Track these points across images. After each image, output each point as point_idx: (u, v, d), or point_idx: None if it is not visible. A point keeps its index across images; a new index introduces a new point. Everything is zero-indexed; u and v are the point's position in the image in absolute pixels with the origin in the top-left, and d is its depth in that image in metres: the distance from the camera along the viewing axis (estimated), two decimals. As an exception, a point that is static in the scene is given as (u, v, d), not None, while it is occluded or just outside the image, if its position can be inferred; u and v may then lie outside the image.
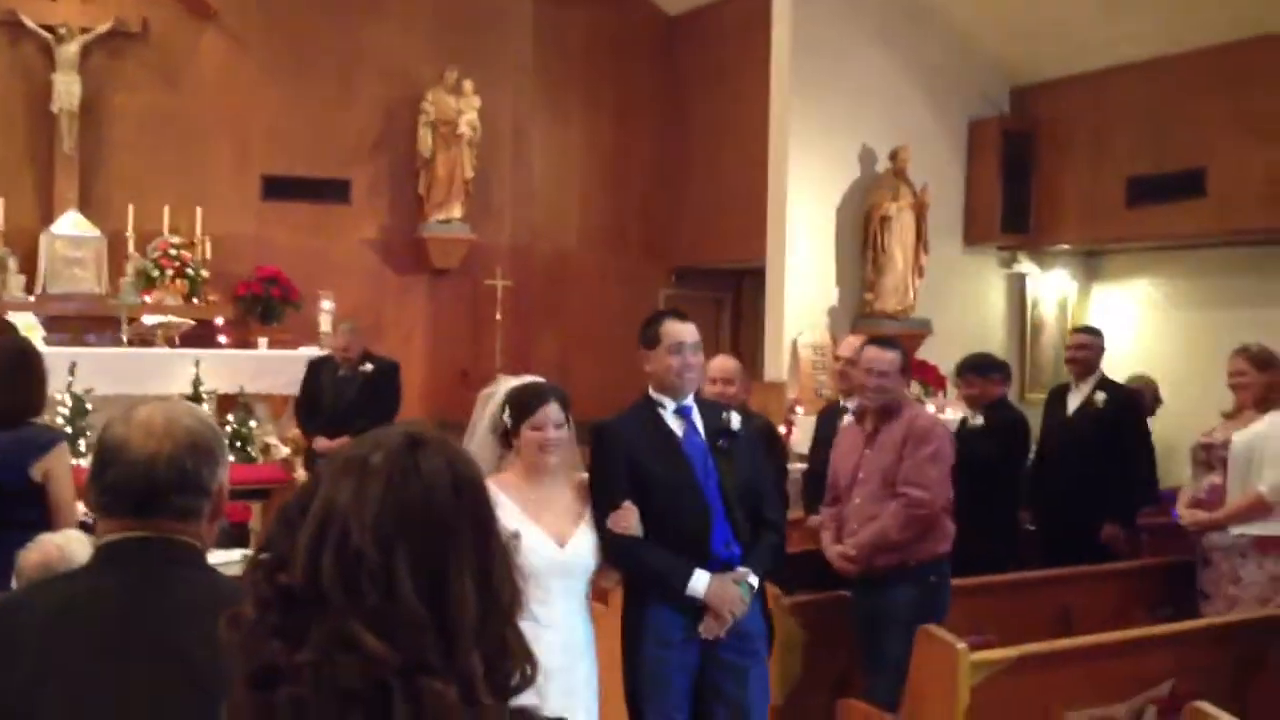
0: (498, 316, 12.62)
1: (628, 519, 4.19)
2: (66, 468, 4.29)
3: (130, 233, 11.38)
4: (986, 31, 11.12)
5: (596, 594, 4.39)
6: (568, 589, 4.08)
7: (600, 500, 4.26)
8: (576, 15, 13.47)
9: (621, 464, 4.31)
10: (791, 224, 10.66)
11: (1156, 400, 8.83)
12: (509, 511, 3.95)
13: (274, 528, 1.49)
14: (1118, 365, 9.33)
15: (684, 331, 4.46)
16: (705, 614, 4.24)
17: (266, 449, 10.51)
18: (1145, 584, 6.54)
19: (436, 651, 1.41)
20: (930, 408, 8.30)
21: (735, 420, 4.50)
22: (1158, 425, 8.20)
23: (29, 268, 11.16)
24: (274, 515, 1.53)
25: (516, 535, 3.72)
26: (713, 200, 12.99)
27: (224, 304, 11.83)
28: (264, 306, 11.89)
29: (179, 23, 11.99)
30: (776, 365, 10.62)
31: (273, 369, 10.83)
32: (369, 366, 8.81)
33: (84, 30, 11.39)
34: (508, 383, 4.33)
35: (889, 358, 5.42)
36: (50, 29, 11.29)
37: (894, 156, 10.80)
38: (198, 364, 10.33)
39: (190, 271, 11.52)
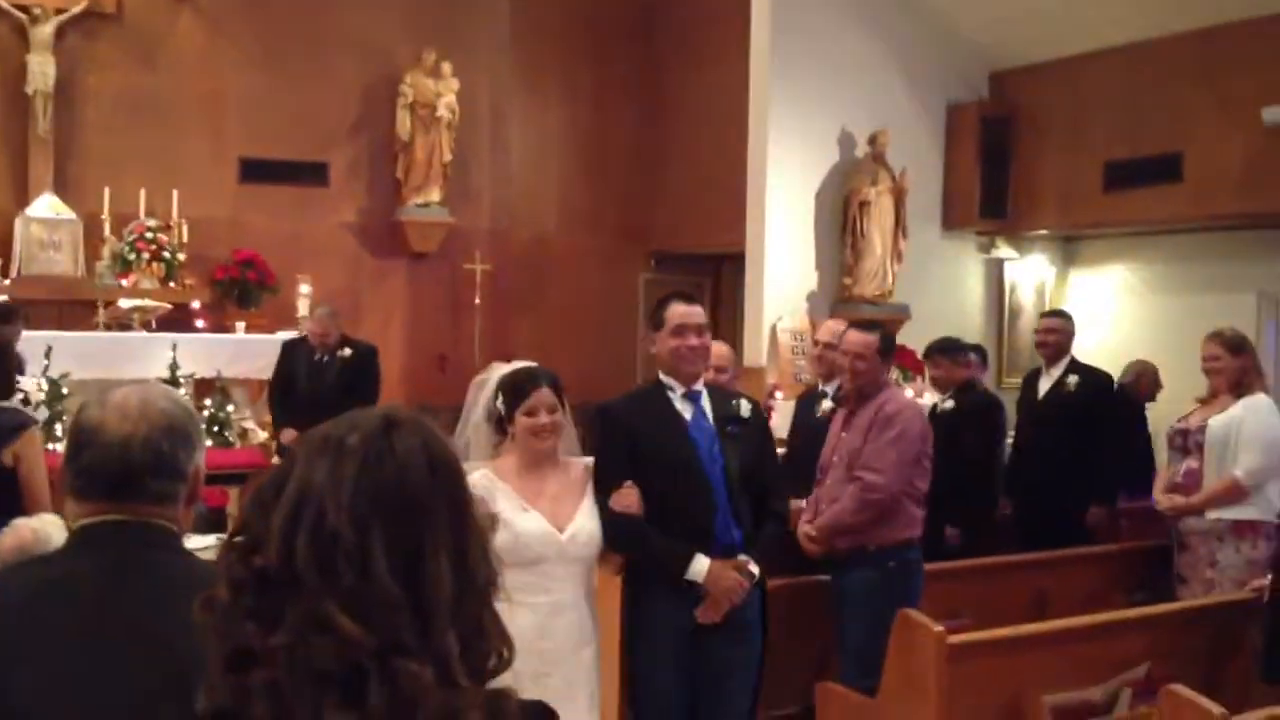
0: (476, 300, 12.60)
1: (629, 498, 4.16)
2: (38, 451, 4.27)
3: (106, 215, 11.31)
4: (965, 16, 11.12)
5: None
6: (570, 575, 4.03)
7: (602, 481, 4.22)
8: (555, -2, 13.46)
9: (623, 445, 4.29)
10: (770, 209, 10.66)
11: (1156, 385, 8.82)
12: (507, 498, 3.93)
13: (248, 509, 1.48)
14: (1095, 350, 9.38)
15: (687, 314, 4.40)
16: (703, 599, 4.22)
17: (244, 433, 10.47)
18: (1122, 568, 6.58)
19: (412, 632, 1.40)
20: (909, 392, 8.30)
21: (746, 407, 4.48)
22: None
23: (3, 251, 11.07)
24: (248, 497, 1.52)
25: (494, 517, 3.73)
26: (692, 185, 12.99)
27: (201, 288, 11.77)
28: (241, 290, 11.84)
29: (154, 3, 11.90)
30: (756, 350, 10.63)
31: (250, 353, 10.78)
32: (347, 351, 8.70)
33: (59, 11, 11.30)
34: (500, 369, 4.28)
35: (865, 340, 5.44)
36: (24, 9, 11.19)
37: (873, 141, 10.80)
38: (174, 348, 10.26)
39: (167, 255, 11.45)
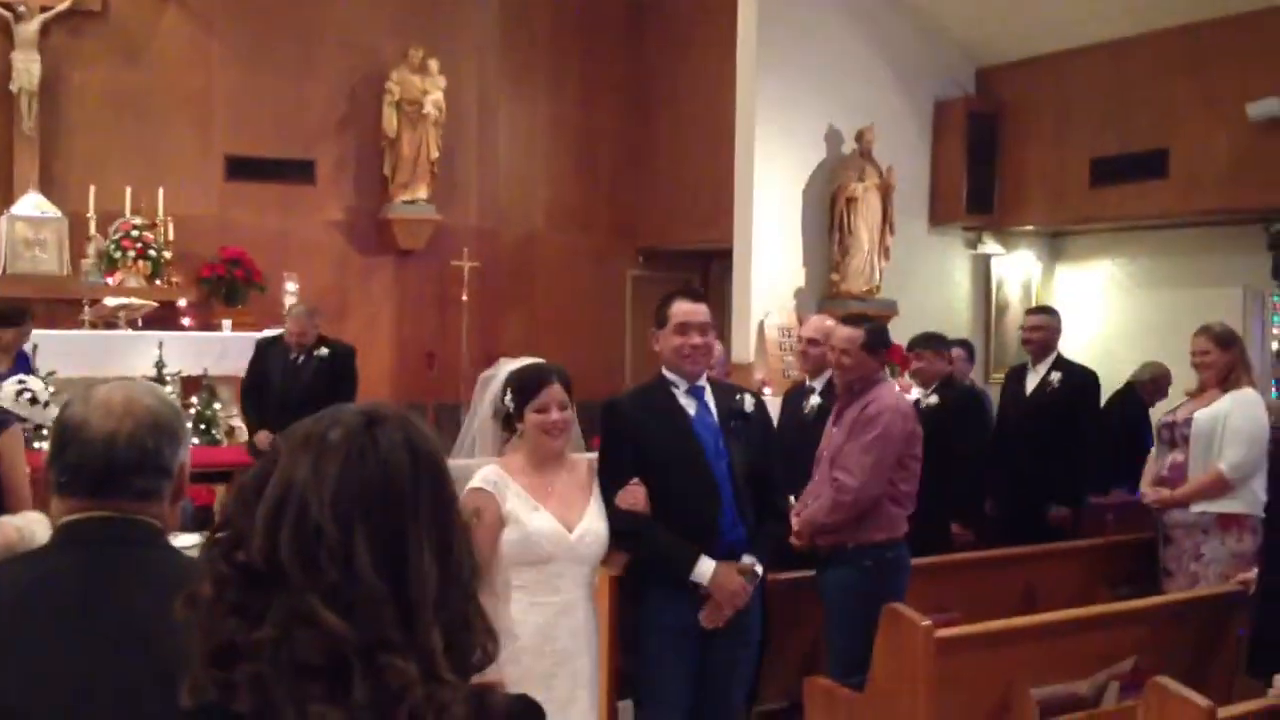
0: (464, 298, 12.58)
1: (635, 496, 4.13)
2: (19, 449, 4.24)
3: (91, 213, 11.26)
4: (952, 12, 11.14)
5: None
6: (577, 575, 3.97)
7: (607, 478, 4.18)
8: (542, -6, 13.45)
9: (629, 442, 4.26)
10: (758, 205, 10.66)
11: (1166, 386, 8.64)
12: (518, 496, 3.88)
13: (231, 506, 1.48)
14: (1081, 345, 9.40)
15: (691, 312, 4.36)
16: (707, 602, 4.19)
17: (231, 431, 10.45)
18: (1108, 562, 6.59)
19: (397, 627, 1.40)
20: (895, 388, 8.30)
21: (749, 403, 4.46)
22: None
23: (-11, 249, 11.04)
24: (231, 493, 1.52)
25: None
26: (680, 182, 12.99)
27: (187, 286, 11.74)
28: (228, 288, 11.81)
29: (139, 0, 11.86)
30: (743, 346, 10.63)
31: (237, 351, 10.71)
32: (325, 351, 8.46)
33: (44, 8, 11.25)
34: (507, 365, 4.21)
35: (848, 335, 5.44)
36: (9, 7, 11.15)
37: (860, 137, 10.81)
38: (161, 346, 10.25)
39: (153, 253, 11.41)
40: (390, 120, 12.39)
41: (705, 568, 4.15)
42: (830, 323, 6.29)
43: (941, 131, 11.49)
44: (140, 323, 11.02)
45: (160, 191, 11.49)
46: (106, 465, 2.11)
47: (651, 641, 4.27)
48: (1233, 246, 10.05)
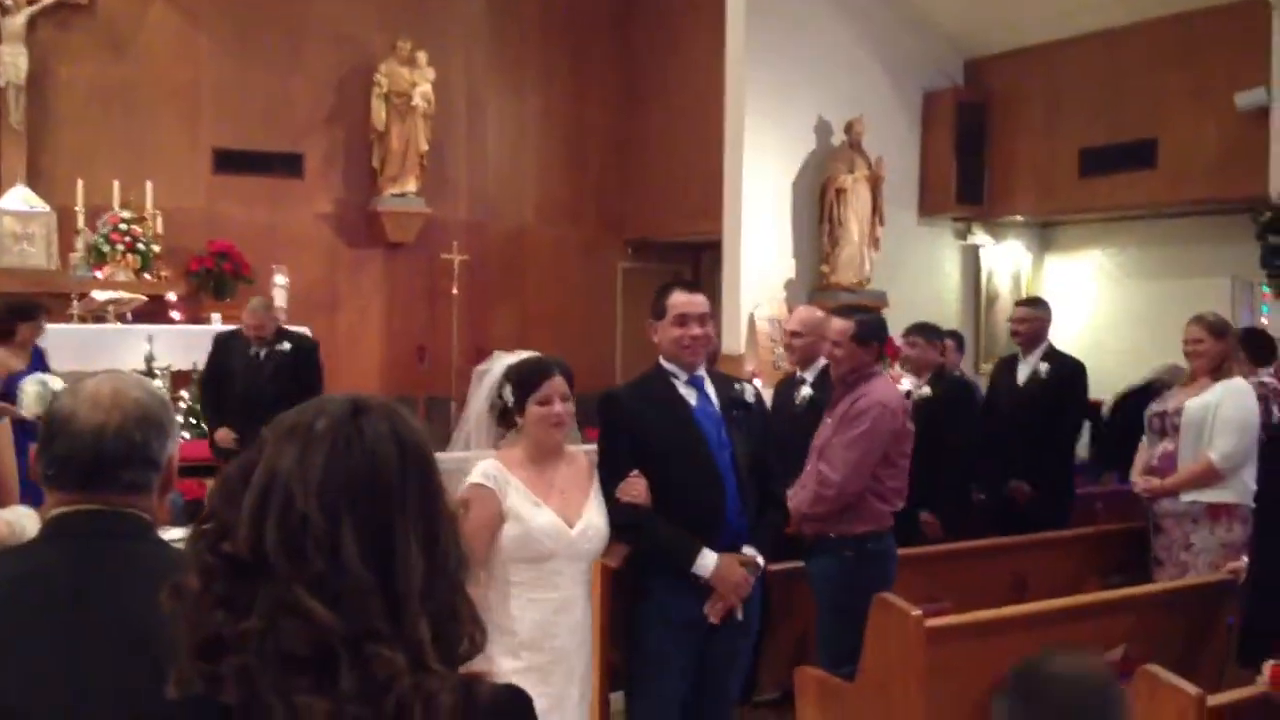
0: (454, 291, 12.57)
1: (637, 488, 4.07)
2: (8, 444, 4.23)
3: (80, 207, 11.24)
4: (941, 3, 11.15)
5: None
6: (576, 571, 3.91)
7: (608, 470, 4.12)
8: (530, -14, 13.44)
9: (629, 433, 4.21)
10: (748, 197, 10.66)
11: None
12: (519, 492, 3.82)
13: (216, 496, 1.48)
14: (1071, 335, 9.42)
15: (689, 303, 4.33)
16: (711, 595, 4.14)
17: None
18: (1099, 551, 6.60)
19: (383, 617, 1.40)
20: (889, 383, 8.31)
21: (749, 392, 4.43)
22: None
23: (-24, 244, 11.01)
24: (216, 484, 1.51)
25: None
26: (669, 174, 12.99)
27: (176, 279, 11.73)
28: (216, 281, 11.80)
29: (127, -6, 11.84)
30: (734, 338, 10.63)
31: (226, 345, 10.72)
32: (286, 345, 8.16)
33: (31, 2, 11.24)
34: (502, 359, 4.10)
35: (840, 327, 5.43)
36: (-5, 1, 11.13)
37: (849, 129, 10.82)
38: (150, 340, 10.24)
39: (141, 246, 11.39)
40: (379, 113, 12.38)
41: (707, 560, 4.11)
42: (819, 314, 6.28)
43: (931, 122, 11.50)
44: (129, 317, 11.00)
45: (149, 185, 11.47)
46: (95, 458, 2.10)
47: (652, 635, 4.22)
48: (1221, 236, 10.07)
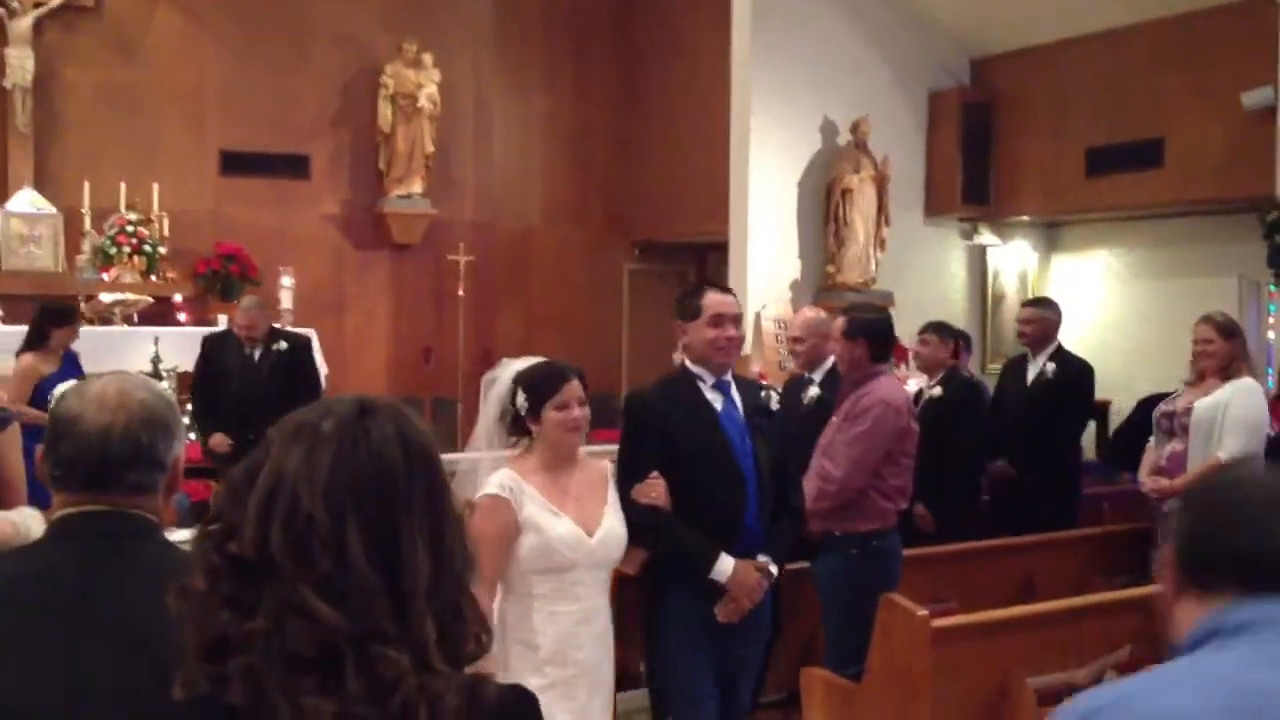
0: (460, 292, 12.57)
1: (656, 489, 4.04)
2: (15, 446, 4.24)
3: (86, 209, 11.27)
4: (946, 3, 11.13)
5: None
6: (596, 580, 3.85)
7: (629, 472, 4.09)
8: (535, -13, 13.44)
9: (653, 436, 4.17)
10: (753, 197, 10.65)
11: None
12: (535, 501, 3.74)
13: (222, 497, 1.48)
14: (1077, 336, 9.41)
15: (726, 303, 4.28)
16: (723, 597, 4.12)
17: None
18: (1105, 551, 6.59)
19: (389, 618, 1.40)
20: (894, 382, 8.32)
21: (775, 399, 4.40)
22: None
23: (-17, 246, 11.03)
24: (222, 484, 1.51)
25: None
26: (675, 174, 12.98)
27: (183, 281, 11.74)
28: (223, 283, 11.80)
29: (133, -4, 11.86)
30: (740, 338, 10.61)
31: (233, 346, 10.72)
32: (282, 345, 7.95)
33: (37, 4, 11.25)
34: (510, 365, 4.03)
35: (835, 324, 5.48)
36: (2, 3, 11.14)
37: (855, 129, 10.80)
38: (157, 342, 10.25)
39: (148, 248, 11.41)
40: (385, 114, 12.38)
41: (725, 565, 4.09)
42: (820, 315, 6.31)
43: (936, 122, 11.48)
44: (136, 318, 11.02)
45: (155, 187, 11.49)
46: (101, 459, 2.11)
47: (671, 641, 4.19)
48: (1228, 236, 10.05)
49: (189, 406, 9.75)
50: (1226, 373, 6.03)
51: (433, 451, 1.53)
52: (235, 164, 12.20)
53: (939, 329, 7.29)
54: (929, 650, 4.52)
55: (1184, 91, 9.72)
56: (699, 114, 12.22)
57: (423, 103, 12.36)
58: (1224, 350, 6.04)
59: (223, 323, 11.08)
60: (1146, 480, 6.23)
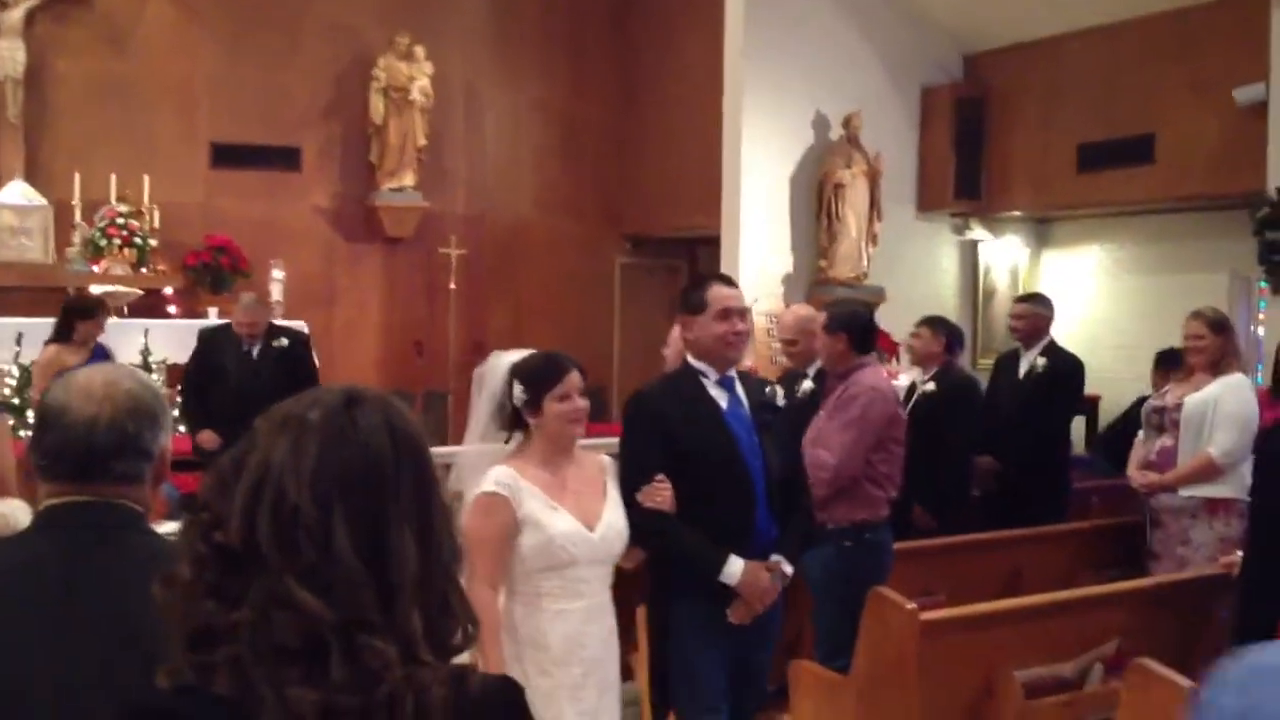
0: (452, 285, 12.55)
1: (662, 494, 3.92)
2: (6, 437, 4.23)
3: (77, 201, 11.25)
4: (939, -2, 11.14)
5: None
6: (599, 576, 3.75)
7: (632, 475, 3.95)
8: (529, -20, 13.42)
9: (658, 436, 4.03)
10: (745, 192, 10.65)
11: None
12: (535, 498, 3.65)
13: (209, 487, 1.48)
14: (1068, 331, 9.41)
15: (733, 296, 4.14)
16: (735, 600, 4.02)
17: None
18: (1093, 545, 6.61)
19: (375, 609, 1.40)
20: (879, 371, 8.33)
21: (779, 395, 4.31)
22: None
23: (-27, 238, 11.00)
24: (208, 474, 1.51)
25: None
26: (667, 168, 12.98)
27: (173, 273, 11.73)
28: (214, 276, 11.79)
29: (124, -12, 11.83)
30: (731, 333, 10.60)
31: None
32: (284, 341, 7.86)
33: (29, -5, 11.22)
34: (503, 357, 3.89)
35: (815, 318, 5.54)
36: (-8, -6, 11.12)
37: (847, 123, 10.80)
38: (147, 334, 10.23)
39: (138, 240, 11.39)
40: (377, 107, 12.37)
41: (735, 568, 3.97)
42: (810, 312, 6.33)
43: (929, 117, 11.49)
44: (126, 310, 10.99)
45: (146, 179, 11.47)
46: (87, 449, 2.11)
47: (688, 637, 4.08)
48: (1219, 232, 10.06)
49: (178, 398, 9.75)
50: (1217, 368, 6.05)
51: (421, 442, 1.52)
52: (226, 156, 12.19)
53: (932, 323, 7.30)
54: (917, 643, 4.53)
55: (1176, 87, 9.73)
56: (692, 108, 12.21)
57: (415, 95, 12.34)
58: (1214, 346, 6.05)
59: (213, 315, 11.11)
60: (1136, 475, 6.25)
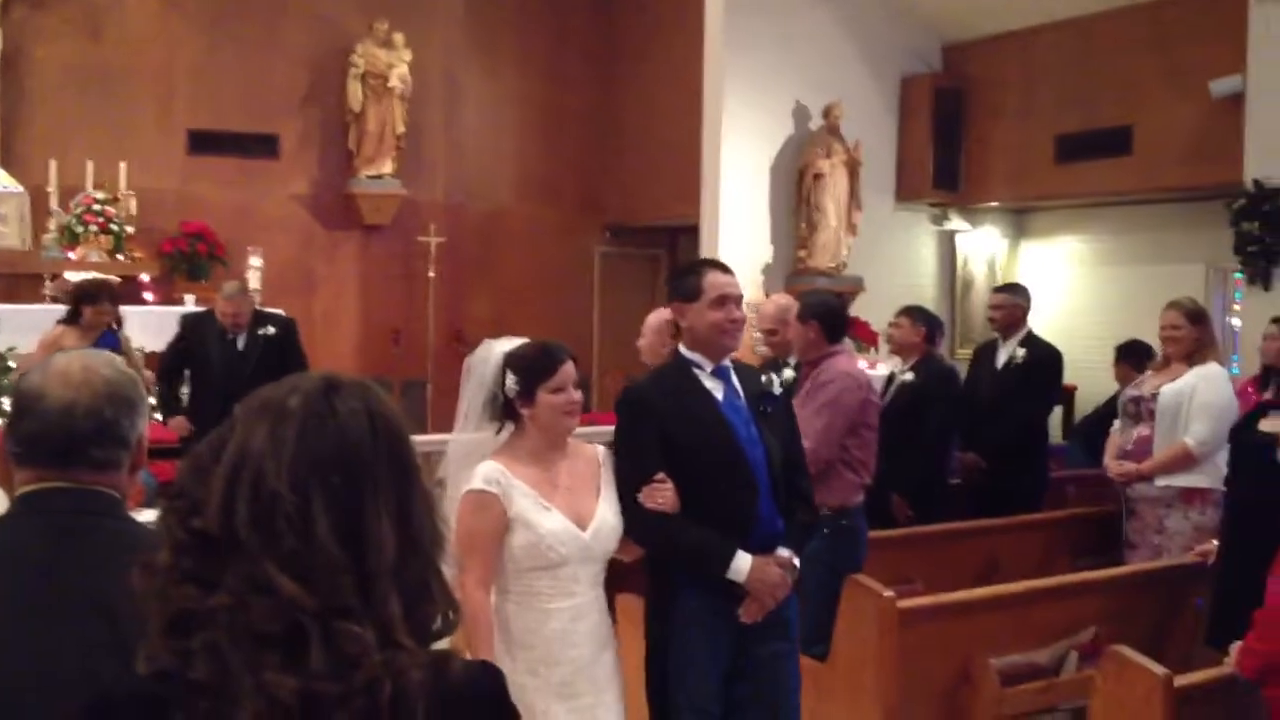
0: (431, 274, 12.53)
1: (664, 494, 3.75)
2: (-10, 423, 4.21)
3: (53, 188, 11.17)
4: (919, -12, 11.16)
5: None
6: (590, 575, 3.64)
7: (630, 474, 3.79)
8: (509, -33, 13.38)
9: (654, 433, 3.84)
10: (725, 181, 10.67)
11: None
12: (525, 495, 3.54)
13: (187, 472, 1.47)
14: (1045, 321, 9.46)
15: (729, 283, 3.96)
16: (745, 597, 3.84)
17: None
18: (1070, 534, 6.65)
19: (354, 594, 1.40)
20: (862, 364, 8.35)
21: (776, 383, 4.13)
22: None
23: (-51, 224, 10.92)
24: (186, 460, 1.51)
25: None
26: (647, 157, 12.98)
27: (149, 260, 11.66)
28: (190, 263, 11.73)
29: (101, -27, 11.75)
30: (710, 322, 10.61)
31: (200, 326, 10.64)
32: (270, 330, 7.61)
33: (4, -19, 11.14)
34: (495, 345, 3.75)
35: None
36: (-32, -20, 11.03)
37: (827, 113, 10.82)
38: (122, 321, 10.15)
39: (115, 227, 11.32)
40: (355, 94, 12.32)
41: (742, 564, 3.80)
42: (789, 301, 6.33)
43: (908, 108, 11.52)
44: (102, 297, 10.90)
45: (122, 166, 11.40)
46: (65, 436, 2.09)
47: (680, 642, 3.89)
48: (1195, 223, 10.12)
49: (154, 386, 9.68)
50: (1193, 359, 6.08)
51: (401, 428, 1.52)
52: (204, 143, 12.13)
53: (911, 313, 7.32)
54: (895, 631, 4.56)
55: (1153, 79, 9.78)
56: (672, 97, 12.21)
57: (394, 83, 12.30)
58: (1191, 336, 6.08)
59: (190, 303, 11.04)
60: (1112, 464, 6.28)
